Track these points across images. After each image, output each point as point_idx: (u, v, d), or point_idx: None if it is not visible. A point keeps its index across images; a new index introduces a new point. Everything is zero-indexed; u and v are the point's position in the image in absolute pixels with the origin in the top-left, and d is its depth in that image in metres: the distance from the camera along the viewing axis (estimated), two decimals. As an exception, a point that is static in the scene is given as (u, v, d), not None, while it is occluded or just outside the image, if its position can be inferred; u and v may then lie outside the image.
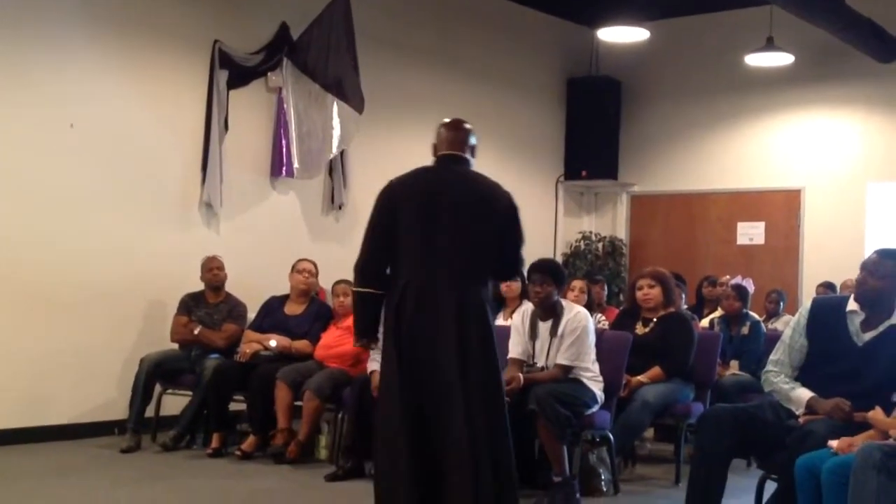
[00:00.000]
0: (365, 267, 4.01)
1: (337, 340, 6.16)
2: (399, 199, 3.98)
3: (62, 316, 6.47)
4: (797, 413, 3.83)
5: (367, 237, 4.04)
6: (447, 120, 4.20)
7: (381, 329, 4.04)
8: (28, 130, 6.30)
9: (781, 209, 9.92)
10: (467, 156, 4.08)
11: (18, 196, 6.25)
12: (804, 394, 3.83)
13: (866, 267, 3.83)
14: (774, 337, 6.31)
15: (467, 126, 4.13)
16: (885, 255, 3.84)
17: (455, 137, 4.10)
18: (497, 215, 3.99)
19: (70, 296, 6.49)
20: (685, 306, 6.99)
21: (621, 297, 9.87)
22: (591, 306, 6.36)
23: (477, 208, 3.97)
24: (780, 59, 8.95)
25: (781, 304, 7.98)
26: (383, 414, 3.89)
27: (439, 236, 3.89)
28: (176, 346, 6.58)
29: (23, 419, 6.24)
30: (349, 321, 6.06)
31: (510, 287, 6.38)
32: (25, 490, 4.98)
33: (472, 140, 4.12)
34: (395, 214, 3.96)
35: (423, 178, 4.05)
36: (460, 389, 3.78)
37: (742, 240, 10.09)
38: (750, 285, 7.24)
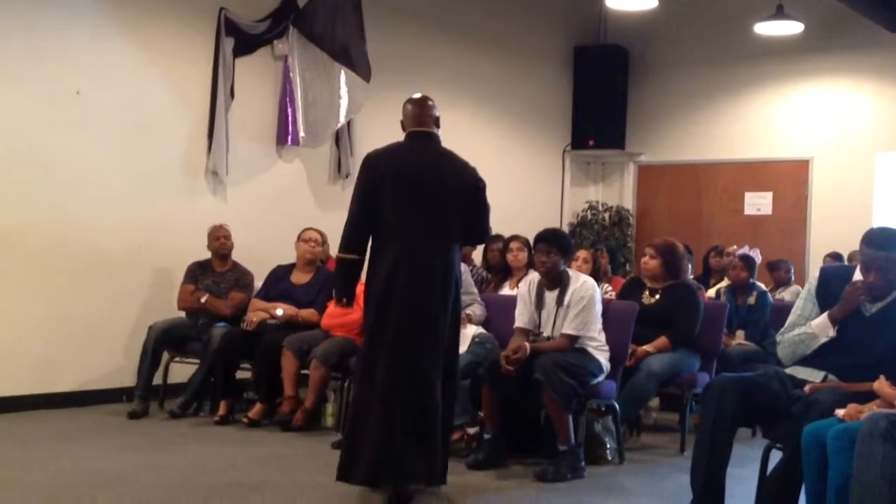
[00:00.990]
0: (352, 236, 4.42)
1: (343, 309, 6.15)
2: (381, 174, 4.36)
3: (70, 284, 6.49)
4: (812, 382, 3.81)
5: (353, 209, 4.42)
6: (414, 97, 4.55)
7: None
8: (34, 98, 6.29)
9: (789, 179, 9.89)
10: (434, 130, 4.48)
11: (25, 164, 6.25)
12: (821, 318, 3.82)
13: (871, 243, 3.78)
14: (781, 307, 6.34)
15: (430, 102, 4.51)
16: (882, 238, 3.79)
17: (421, 113, 4.48)
18: (468, 189, 4.43)
19: (77, 264, 6.51)
20: (691, 276, 6.99)
21: (628, 268, 9.88)
22: (598, 276, 6.36)
23: (451, 183, 4.40)
24: (789, 28, 8.88)
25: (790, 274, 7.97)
26: (367, 362, 4.29)
27: (421, 209, 4.32)
28: (183, 314, 6.60)
29: (31, 386, 6.28)
30: (357, 289, 6.12)
31: (517, 257, 6.37)
32: (34, 456, 5.01)
33: (436, 113, 4.51)
34: (377, 188, 4.35)
35: (402, 155, 4.43)
36: (438, 348, 4.27)
37: (749, 210, 10.08)
38: (757, 255, 7.23)
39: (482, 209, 4.51)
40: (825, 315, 3.83)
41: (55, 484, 4.43)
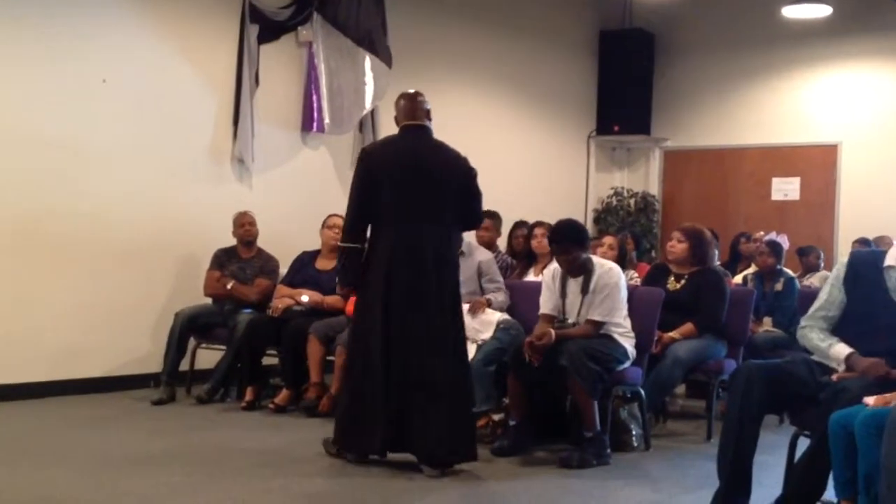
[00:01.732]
0: (353, 227, 4.68)
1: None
2: (378, 167, 4.63)
3: (97, 270, 6.54)
4: (837, 369, 3.79)
5: (353, 201, 4.67)
6: (406, 92, 4.81)
7: None
8: (61, 87, 6.32)
9: (817, 164, 9.79)
10: (426, 123, 4.73)
11: (52, 151, 6.29)
12: (842, 350, 3.78)
13: None
14: (808, 293, 6.28)
15: (421, 97, 4.75)
16: None
17: (414, 107, 4.73)
18: (461, 177, 4.71)
19: (104, 250, 6.55)
20: (718, 263, 6.94)
21: (653, 254, 9.83)
22: (624, 262, 6.33)
23: (446, 172, 4.67)
24: (817, 11, 8.78)
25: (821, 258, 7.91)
26: (362, 345, 4.58)
27: (417, 199, 4.58)
28: (209, 300, 6.63)
29: (60, 372, 6.34)
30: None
31: (541, 243, 6.36)
32: (63, 441, 5.07)
33: (427, 106, 4.76)
34: (375, 181, 4.60)
35: (397, 148, 4.72)
36: (436, 330, 4.53)
37: (777, 195, 9.99)
38: (784, 241, 7.17)
39: (475, 196, 4.78)
40: (847, 354, 3.77)
41: (83, 469, 4.48)
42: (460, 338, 4.69)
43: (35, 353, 6.24)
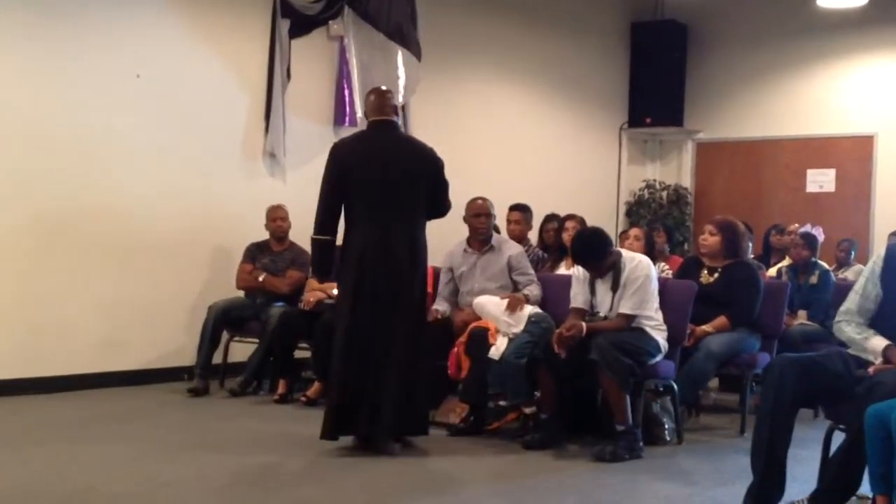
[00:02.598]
0: (325, 220, 4.88)
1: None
2: (349, 162, 4.82)
3: (132, 265, 6.60)
4: (874, 362, 3.75)
5: (324, 195, 4.88)
6: (378, 88, 5.06)
7: None
8: (96, 83, 6.39)
9: (853, 156, 9.67)
10: (394, 118, 4.94)
11: (87, 146, 6.36)
12: (879, 342, 3.74)
13: None
14: (844, 287, 6.21)
15: (390, 93, 4.98)
16: None
17: (382, 103, 4.91)
18: (429, 170, 4.89)
19: (138, 244, 6.62)
20: (751, 256, 6.89)
21: (686, 247, 9.76)
22: (653, 254, 6.30)
23: (415, 166, 4.85)
24: (852, 0, 8.65)
25: (853, 253, 7.82)
26: (343, 330, 4.80)
27: (389, 193, 4.77)
28: (242, 293, 6.68)
29: (96, 365, 6.42)
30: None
31: (571, 237, 6.33)
32: (100, 432, 5.13)
33: (395, 102, 4.98)
34: (346, 175, 4.79)
35: (368, 143, 4.91)
36: (402, 319, 4.76)
37: (811, 187, 9.88)
38: (819, 234, 7.10)
39: (443, 186, 4.96)
40: (885, 346, 3.73)
41: (121, 460, 4.53)
42: (422, 320, 4.97)
43: (73, 346, 6.32)
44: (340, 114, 7.74)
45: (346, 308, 4.79)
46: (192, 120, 6.89)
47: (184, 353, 6.72)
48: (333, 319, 5.06)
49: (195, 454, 4.72)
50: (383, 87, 5.02)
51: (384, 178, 4.77)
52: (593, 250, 5.13)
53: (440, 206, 5.02)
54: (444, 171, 4.95)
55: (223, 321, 6.48)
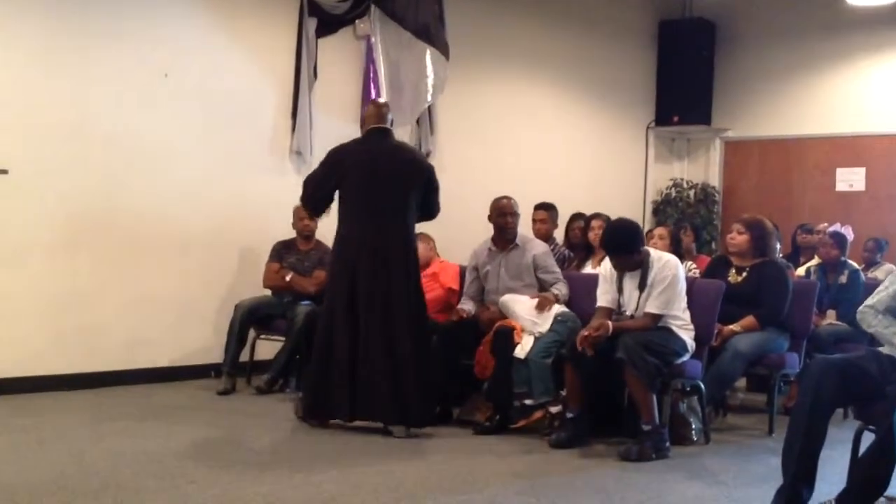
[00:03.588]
0: (307, 203, 5.50)
1: (425, 287, 6.17)
2: (347, 162, 5.22)
3: (160, 263, 6.65)
4: None
5: (312, 183, 5.36)
6: (376, 100, 5.71)
7: None
8: (124, 82, 6.44)
9: (883, 154, 9.57)
10: (389, 126, 5.32)
11: (116, 145, 6.41)
12: None
13: None
14: (873, 286, 6.12)
15: (387, 107, 5.41)
16: None
17: (380, 113, 5.33)
18: (420, 175, 5.25)
19: (167, 244, 6.67)
20: (780, 255, 6.83)
21: (713, 246, 9.70)
22: (680, 253, 6.27)
23: (407, 172, 5.22)
24: (883, -3, 8.57)
25: (879, 253, 7.74)
26: (326, 324, 5.18)
27: (381, 196, 5.12)
28: (269, 292, 6.71)
29: (125, 362, 6.48)
30: (434, 268, 6.18)
31: (598, 236, 6.32)
32: (129, 429, 5.17)
33: (391, 116, 5.38)
34: (341, 176, 5.20)
35: (365, 149, 5.27)
36: (393, 316, 5.07)
37: (841, 186, 9.79)
38: (849, 233, 7.04)
39: (434, 189, 5.30)
40: None
41: (149, 457, 4.56)
42: (421, 314, 5.26)
43: (102, 343, 6.38)
44: (366, 113, 7.75)
45: (338, 300, 5.14)
46: (219, 119, 6.94)
47: (212, 350, 6.76)
48: (324, 306, 5.34)
49: (221, 451, 4.75)
50: (381, 100, 5.60)
51: (377, 179, 5.13)
52: (625, 242, 5.11)
53: (430, 209, 5.35)
54: (435, 175, 5.30)
55: (250, 319, 6.51)
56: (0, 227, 5.93)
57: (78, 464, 4.39)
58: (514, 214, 5.85)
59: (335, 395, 5.10)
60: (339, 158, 5.27)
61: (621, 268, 5.14)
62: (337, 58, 7.60)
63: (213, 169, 6.90)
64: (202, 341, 6.86)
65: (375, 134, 5.28)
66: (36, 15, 6.05)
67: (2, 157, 4.35)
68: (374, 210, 5.14)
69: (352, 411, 5.11)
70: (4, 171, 3.90)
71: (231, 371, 6.39)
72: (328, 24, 7.47)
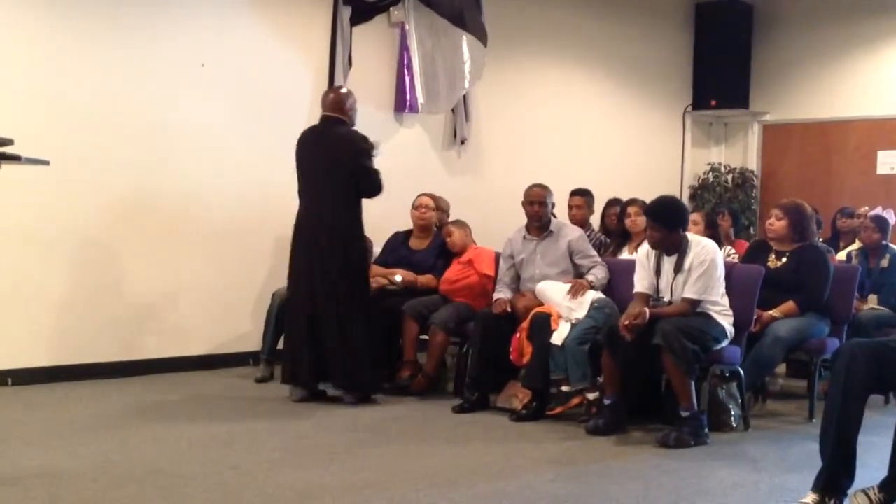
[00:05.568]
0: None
1: (460, 274, 6.20)
2: (298, 150, 5.76)
3: (198, 252, 6.72)
4: None
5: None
6: (339, 87, 6.12)
7: None
8: (162, 72, 6.50)
9: (926, 136, 9.40)
10: (339, 115, 5.70)
11: (154, 135, 6.47)
12: None
13: None
14: (917, 270, 6.07)
15: (343, 91, 5.86)
16: None
17: (333, 100, 5.75)
18: (349, 157, 5.57)
19: (205, 233, 6.73)
20: (820, 239, 6.75)
21: (752, 231, 9.60)
22: (718, 238, 6.21)
23: (340, 155, 5.58)
24: (926, -24, 8.40)
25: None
26: (289, 295, 5.78)
27: (321, 178, 5.60)
28: (305, 280, 6.74)
29: (166, 350, 6.56)
30: (469, 255, 6.17)
31: (635, 222, 6.29)
32: (170, 415, 5.24)
33: (349, 102, 5.75)
34: (297, 160, 5.73)
35: (313, 134, 5.77)
36: (333, 284, 5.54)
37: (882, 169, 9.63)
38: (891, 216, 6.93)
39: (362, 171, 5.58)
40: None
41: (191, 443, 4.62)
42: (357, 289, 5.63)
43: (143, 331, 6.46)
44: (401, 100, 7.76)
45: (293, 275, 5.69)
46: (255, 108, 6.97)
47: (249, 338, 6.82)
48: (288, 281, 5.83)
49: (260, 437, 4.79)
50: (344, 90, 5.89)
51: (317, 163, 5.61)
52: (668, 214, 5.08)
53: (365, 187, 5.63)
54: (364, 158, 5.58)
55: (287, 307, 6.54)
56: (42, 217, 6.02)
57: (120, 450, 4.45)
58: (543, 203, 5.83)
59: (303, 362, 5.58)
60: (296, 149, 5.78)
61: (659, 245, 5.09)
62: (371, 46, 7.61)
63: (251, 158, 6.93)
64: (240, 329, 6.92)
65: (325, 121, 5.73)
66: (74, 8, 6.11)
67: (43, 148, 4.39)
68: (313, 191, 5.62)
69: (315, 377, 5.60)
70: (46, 162, 3.94)
71: (269, 359, 6.42)
72: (363, 12, 7.47)
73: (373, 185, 5.65)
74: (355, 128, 5.76)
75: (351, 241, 5.65)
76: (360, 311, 5.60)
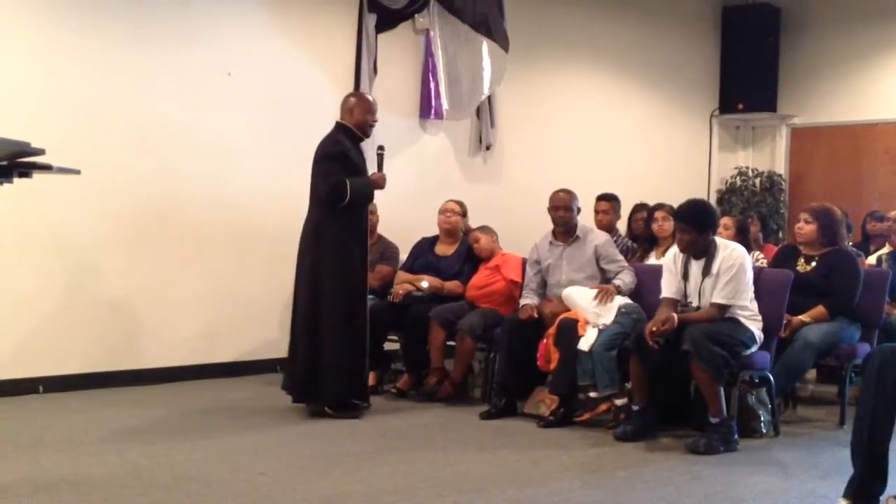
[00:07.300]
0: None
1: (487, 280, 6.20)
2: None
3: (226, 259, 6.76)
4: None
5: None
6: (360, 93, 6.18)
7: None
8: (189, 82, 6.55)
9: (956, 139, 9.29)
10: (341, 119, 5.61)
11: (181, 144, 6.52)
12: None
13: None
14: (948, 274, 5.98)
15: (352, 98, 5.72)
16: None
17: (342, 107, 5.65)
18: (315, 160, 5.53)
19: (232, 240, 6.77)
20: (849, 243, 6.68)
21: (780, 235, 9.53)
22: (747, 243, 6.17)
23: (315, 159, 5.54)
24: (955, -23, 8.32)
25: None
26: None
27: (312, 186, 5.55)
28: (332, 287, 6.76)
29: (194, 357, 6.60)
30: (496, 260, 6.16)
31: (662, 227, 6.26)
32: (200, 423, 5.26)
33: (348, 103, 5.64)
34: None
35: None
36: (321, 293, 5.41)
37: (912, 172, 9.53)
38: (921, 220, 6.84)
39: (315, 172, 5.51)
40: None
41: (220, 450, 4.65)
42: (337, 299, 5.41)
43: (171, 338, 6.50)
44: (426, 107, 7.77)
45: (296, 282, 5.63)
46: (281, 116, 7.01)
47: (277, 345, 6.83)
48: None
49: (288, 443, 4.81)
50: (349, 94, 5.86)
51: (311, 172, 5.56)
52: (698, 217, 5.07)
53: (320, 193, 5.48)
54: (322, 161, 5.46)
55: (314, 314, 6.57)
56: (72, 226, 6.08)
57: (151, 456, 4.48)
58: (568, 208, 5.81)
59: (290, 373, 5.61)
60: None
61: (688, 248, 5.06)
62: (397, 53, 7.63)
63: (277, 165, 6.97)
64: (267, 336, 6.94)
65: (336, 127, 5.64)
66: (101, 17, 6.18)
67: (73, 157, 4.43)
68: (309, 200, 5.59)
69: (289, 387, 5.59)
70: (77, 171, 3.97)
71: (297, 365, 6.44)
72: (388, 20, 7.50)
73: (322, 190, 5.43)
74: (365, 128, 5.65)
75: (332, 249, 5.42)
76: (337, 321, 5.39)
